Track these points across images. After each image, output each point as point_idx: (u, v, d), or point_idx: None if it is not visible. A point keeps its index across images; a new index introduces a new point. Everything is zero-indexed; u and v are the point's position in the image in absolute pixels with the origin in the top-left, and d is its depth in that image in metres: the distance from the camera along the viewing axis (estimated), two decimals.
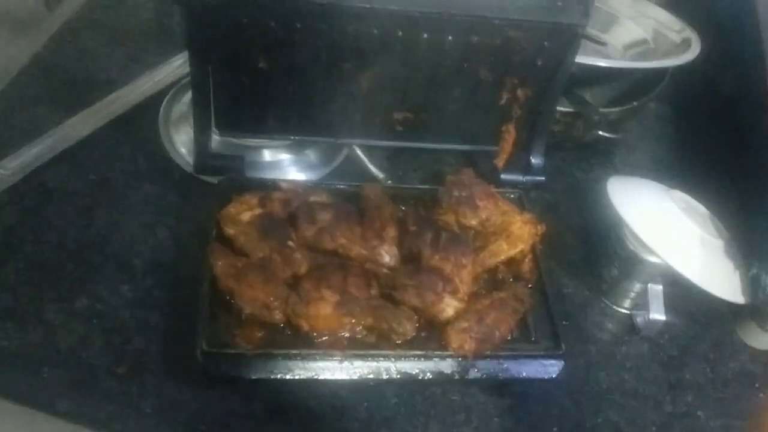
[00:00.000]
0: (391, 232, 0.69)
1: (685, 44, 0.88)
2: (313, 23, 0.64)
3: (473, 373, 0.64)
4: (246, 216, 0.68)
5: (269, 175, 0.80)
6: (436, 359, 0.63)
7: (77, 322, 0.65)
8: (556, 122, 0.82)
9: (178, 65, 0.90)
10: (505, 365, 0.64)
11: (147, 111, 0.85)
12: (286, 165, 0.82)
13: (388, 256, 0.68)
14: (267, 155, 0.82)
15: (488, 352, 0.64)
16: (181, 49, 0.91)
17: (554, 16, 0.67)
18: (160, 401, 0.61)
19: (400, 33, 0.65)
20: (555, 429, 0.65)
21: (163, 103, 0.86)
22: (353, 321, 0.63)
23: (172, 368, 0.63)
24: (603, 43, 0.92)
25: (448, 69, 0.70)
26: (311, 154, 0.84)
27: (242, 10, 0.64)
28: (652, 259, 0.71)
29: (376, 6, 0.63)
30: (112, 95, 0.85)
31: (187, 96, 0.85)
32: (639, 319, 0.74)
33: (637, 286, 0.74)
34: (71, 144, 0.80)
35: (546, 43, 0.68)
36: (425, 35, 0.66)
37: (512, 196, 0.79)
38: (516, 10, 0.66)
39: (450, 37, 0.66)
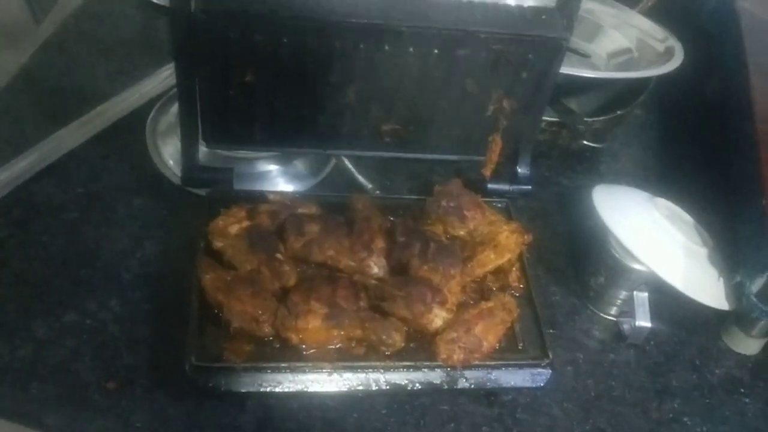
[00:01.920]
0: (380, 243, 0.69)
1: (669, 53, 0.89)
2: (299, 38, 0.64)
3: (462, 383, 0.64)
4: (234, 229, 0.68)
5: (257, 186, 0.80)
6: (425, 370, 0.63)
7: (66, 337, 0.65)
8: (542, 132, 0.83)
9: (165, 77, 0.91)
10: (494, 375, 0.65)
11: (134, 123, 0.85)
12: (274, 176, 0.83)
13: (376, 267, 0.68)
14: (255, 166, 0.82)
15: (477, 362, 0.64)
16: (168, 61, 0.91)
17: (538, 29, 0.67)
18: (150, 415, 0.61)
19: (387, 47, 0.66)
20: None
21: (151, 114, 0.86)
22: (342, 333, 0.63)
23: (161, 382, 0.63)
24: (587, 56, 0.93)
25: (435, 81, 0.70)
26: (299, 165, 0.84)
27: (229, 25, 0.64)
28: (638, 266, 0.71)
29: (362, 21, 0.64)
30: (100, 107, 0.86)
31: (175, 107, 0.86)
32: (625, 327, 0.74)
33: (623, 294, 0.75)
34: (58, 157, 0.80)
35: (531, 55, 0.69)
36: (411, 49, 0.66)
37: (499, 205, 0.79)
38: (501, 24, 0.66)
39: (436, 51, 0.67)
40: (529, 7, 0.67)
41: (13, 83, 0.90)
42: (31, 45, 0.96)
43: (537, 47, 0.68)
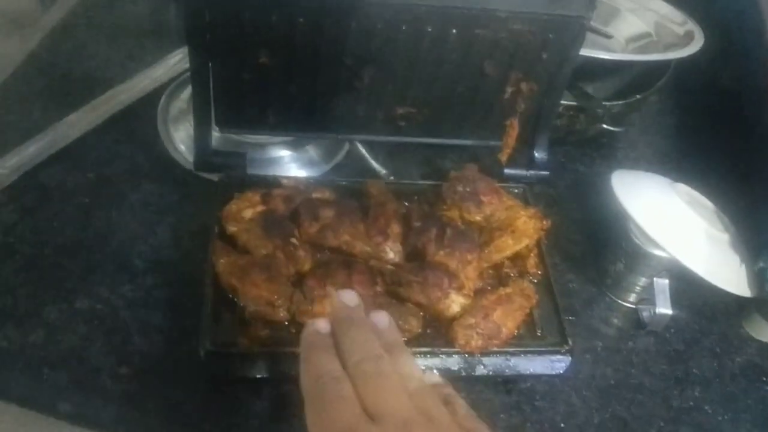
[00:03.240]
0: (396, 228, 0.68)
1: (688, 37, 0.87)
2: (315, 18, 0.63)
3: (480, 370, 0.63)
4: (248, 213, 0.67)
5: (270, 171, 0.79)
6: (442, 356, 0.63)
7: (78, 323, 0.65)
8: (559, 116, 0.81)
9: (175, 62, 0.90)
10: (512, 362, 0.64)
11: (145, 108, 0.84)
12: (286, 162, 0.82)
13: (392, 252, 0.67)
14: (267, 152, 0.81)
15: (495, 349, 0.63)
16: (178, 46, 0.90)
17: (559, 8, 0.66)
18: (164, 402, 0.61)
19: (404, 27, 0.65)
20: (562, 425, 0.64)
21: (161, 100, 0.85)
22: None
23: (175, 368, 0.62)
24: (609, 36, 0.91)
25: (452, 63, 0.69)
26: (312, 151, 0.83)
27: (243, 4, 0.63)
28: (658, 252, 0.70)
29: (380, 0, 0.62)
30: (110, 92, 0.85)
31: (186, 93, 0.85)
32: (645, 314, 0.73)
33: (642, 281, 0.73)
34: (69, 142, 0.79)
35: (551, 35, 0.67)
36: (429, 29, 0.65)
37: (516, 191, 0.78)
38: (520, 2, 0.65)
39: (454, 31, 0.66)
40: None
41: (22, 69, 0.89)
42: (39, 31, 0.95)
43: (558, 27, 0.67)
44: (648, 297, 0.72)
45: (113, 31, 0.97)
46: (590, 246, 0.80)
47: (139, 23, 0.99)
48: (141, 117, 0.84)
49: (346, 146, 0.84)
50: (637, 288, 0.74)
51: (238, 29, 0.64)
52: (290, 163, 0.82)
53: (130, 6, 1.02)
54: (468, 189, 0.73)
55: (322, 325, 0.48)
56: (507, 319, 0.64)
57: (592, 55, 0.76)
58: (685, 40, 0.86)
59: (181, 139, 0.81)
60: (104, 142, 0.81)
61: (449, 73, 0.70)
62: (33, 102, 0.85)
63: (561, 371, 0.65)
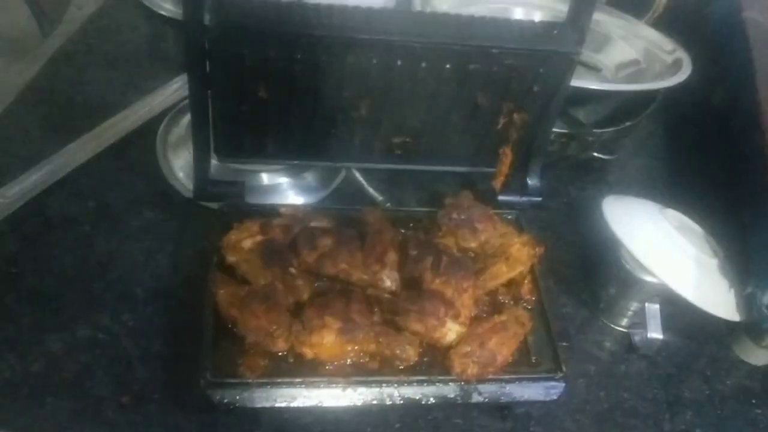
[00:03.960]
0: (392, 256, 0.69)
1: (677, 65, 0.89)
2: (313, 54, 0.65)
3: (476, 397, 0.64)
4: (247, 243, 0.68)
5: (268, 198, 0.80)
6: (439, 384, 0.64)
7: (79, 352, 0.66)
8: (551, 143, 0.83)
9: (174, 89, 0.91)
10: (507, 389, 0.65)
11: (145, 136, 0.85)
12: (284, 188, 0.83)
13: (389, 280, 0.68)
14: (265, 179, 0.82)
15: (490, 376, 0.64)
16: (178, 73, 0.92)
17: (550, 44, 0.68)
18: (165, 430, 0.61)
19: (399, 62, 0.66)
20: None
21: (161, 127, 0.86)
22: (356, 347, 0.63)
23: (175, 397, 0.63)
24: (598, 69, 0.93)
25: (447, 95, 0.70)
26: (309, 177, 0.84)
27: (243, 39, 0.64)
28: (649, 278, 0.71)
29: (375, 37, 0.64)
30: (110, 120, 0.86)
31: (185, 120, 0.86)
32: (637, 338, 0.75)
33: (634, 305, 0.75)
34: (70, 171, 0.80)
35: (542, 69, 0.69)
36: (424, 64, 0.67)
37: (510, 217, 0.79)
38: (513, 39, 0.67)
39: (448, 66, 0.67)
40: (540, 22, 0.67)
41: (23, 97, 0.90)
42: (39, 58, 0.96)
43: (548, 62, 0.68)
44: (639, 321, 0.74)
45: (113, 58, 0.98)
46: (583, 270, 0.81)
47: (138, 50, 1.00)
48: (141, 144, 0.85)
49: (343, 172, 0.85)
50: (629, 312, 0.76)
51: (237, 62, 0.66)
52: (288, 189, 0.83)
53: (129, 33, 1.03)
54: (463, 216, 0.74)
55: None
56: (502, 346, 0.65)
57: (583, 85, 0.78)
58: (673, 68, 0.88)
59: (180, 166, 0.82)
60: (104, 171, 0.82)
61: (444, 105, 0.71)
62: (33, 130, 0.86)
63: (555, 397, 0.66)
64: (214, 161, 0.76)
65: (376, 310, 0.65)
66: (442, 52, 0.66)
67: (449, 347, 0.65)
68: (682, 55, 0.91)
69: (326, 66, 0.66)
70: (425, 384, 0.63)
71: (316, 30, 0.64)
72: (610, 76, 0.95)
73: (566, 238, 0.85)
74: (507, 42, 0.66)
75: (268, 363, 0.62)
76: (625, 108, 0.89)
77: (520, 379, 0.65)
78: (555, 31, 0.68)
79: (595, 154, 0.86)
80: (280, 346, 0.62)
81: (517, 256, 0.72)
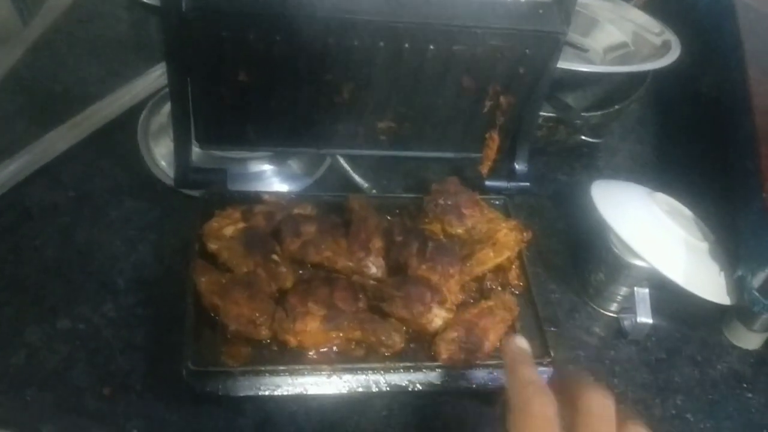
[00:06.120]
0: (377, 243, 0.68)
1: (665, 47, 0.88)
2: (293, 36, 0.63)
3: (463, 383, 0.64)
4: (229, 230, 0.67)
5: (251, 186, 0.79)
6: (425, 370, 0.63)
7: (60, 343, 0.64)
8: (539, 127, 0.82)
9: (155, 77, 0.90)
10: (495, 374, 0.64)
11: (126, 124, 0.84)
12: (268, 176, 0.82)
13: (374, 267, 0.67)
14: (249, 167, 0.81)
15: (478, 362, 0.63)
16: (159, 61, 0.90)
17: (535, 24, 0.67)
18: (148, 421, 0.60)
19: (382, 44, 0.65)
20: None
21: (142, 115, 0.85)
22: (341, 335, 0.62)
23: (158, 387, 0.62)
24: (585, 50, 0.92)
25: (431, 78, 0.69)
26: (293, 165, 0.83)
27: (221, 23, 0.63)
28: (638, 262, 0.71)
29: (357, 17, 0.63)
30: (90, 109, 0.84)
31: (166, 108, 0.84)
32: (626, 323, 0.74)
33: (623, 290, 0.74)
34: (49, 160, 0.79)
35: (527, 50, 0.68)
36: (407, 45, 0.65)
37: (497, 202, 0.78)
38: (497, 18, 0.66)
39: (432, 47, 0.66)
40: (525, 1, 0.66)
41: (2, 85, 0.89)
42: (19, 46, 0.94)
43: (534, 42, 0.67)
44: (629, 306, 0.73)
45: (94, 46, 0.96)
46: (572, 255, 0.81)
47: (119, 38, 0.99)
48: (122, 132, 0.83)
49: (328, 160, 0.84)
50: (618, 297, 0.75)
51: (216, 46, 0.64)
52: (272, 177, 0.82)
53: (110, 21, 1.01)
54: (449, 202, 0.73)
55: (523, 342, 0.53)
56: (489, 332, 0.64)
57: (570, 67, 0.77)
58: (662, 50, 0.87)
59: (161, 154, 0.81)
60: (85, 159, 0.80)
61: (428, 88, 0.70)
62: (13, 119, 0.84)
63: None
64: (196, 149, 0.75)
65: (361, 296, 0.64)
66: (425, 32, 0.65)
67: (435, 333, 0.64)
68: (670, 36, 0.90)
69: (307, 48, 0.64)
70: (412, 371, 0.62)
71: (296, 11, 0.62)
72: (599, 60, 0.94)
73: (554, 223, 0.84)
74: (491, 21, 0.65)
75: (251, 351, 0.61)
76: (613, 91, 0.88)
77: None
78: (540, 11, 0.66)
79: (584, 138, 0.85)
80: (263, 334, 0.61)
81: (504, 241, 0.71)
